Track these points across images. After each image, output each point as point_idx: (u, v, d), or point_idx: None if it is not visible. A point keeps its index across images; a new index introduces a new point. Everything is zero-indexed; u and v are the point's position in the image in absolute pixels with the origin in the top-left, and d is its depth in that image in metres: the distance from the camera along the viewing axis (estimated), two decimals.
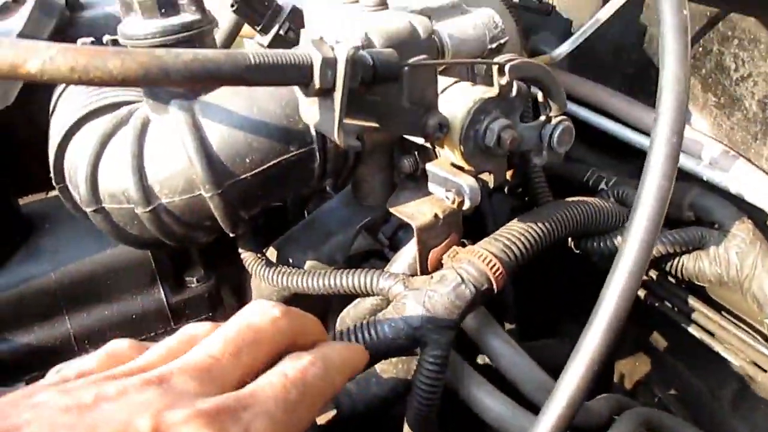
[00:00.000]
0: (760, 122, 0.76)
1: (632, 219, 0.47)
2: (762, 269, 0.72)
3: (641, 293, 0.91)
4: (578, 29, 0.83)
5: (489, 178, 0.62)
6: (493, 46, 0.63)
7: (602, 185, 0.87)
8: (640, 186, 0.48)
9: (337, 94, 0.43)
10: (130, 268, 0.80)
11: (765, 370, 0.78)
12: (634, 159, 0.87)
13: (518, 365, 0.69)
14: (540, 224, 0.66)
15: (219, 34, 0.81)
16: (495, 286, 0.62)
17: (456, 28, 0.61)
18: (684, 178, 0.80)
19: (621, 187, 0.81)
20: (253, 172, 0.58)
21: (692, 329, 0.85)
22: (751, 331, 0.81)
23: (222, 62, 0.39)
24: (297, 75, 0.42)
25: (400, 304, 0.62)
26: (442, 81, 0.60)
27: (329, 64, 0.42)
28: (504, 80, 0.55)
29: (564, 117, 0.60)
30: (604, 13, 0.75)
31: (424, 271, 0.66)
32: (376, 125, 0.50)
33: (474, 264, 0.62)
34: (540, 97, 0.60)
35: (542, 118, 0.60)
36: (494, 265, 0.62)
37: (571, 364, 0.51)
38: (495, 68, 0.54)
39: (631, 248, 0.45)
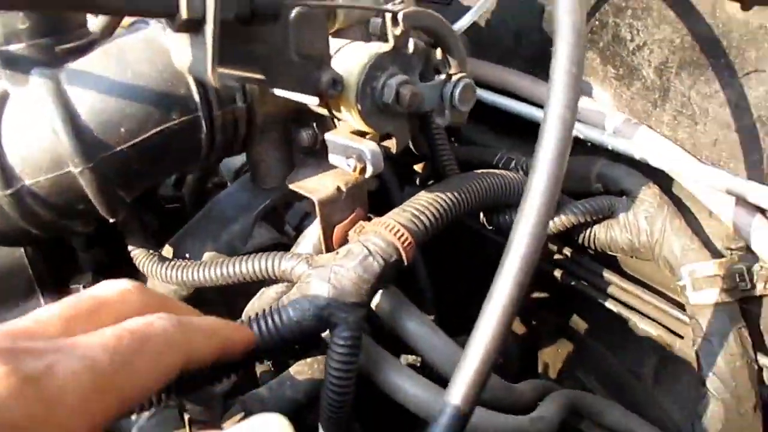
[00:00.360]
0: (657, 89, 0.76)
1: (538, 150, 0.44)
2: (670, 231, 0.72)
3: (557, 273, 0.90)
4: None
5: (391, 144, 0.59)
6: (388, 5, 0.61)
7: (512, 166, 0.86)
8: (541, 124, 0.45)
9: (209, 26, 0.38)
10: (3, 276, 0.71)
11: (681, 336, 0.78)
12: None
13: (437, 347, 0.65)
14: (449, 194, 0.63)
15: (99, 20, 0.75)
16: (405, 257, 0.58)
17: None
18: (590, 152, 0.80)
19: (531, 160, 0.80)
20: (130, 143, 0.52)
21: (609, 304, 0.85)
22: (665, 301, 0.81)
23: None
24: (160, 2, 0.37)
25: (305, 284, 0.57)
26: (335, 43, 0.57)
27: None
28: (398, 30, 0.52)
29: (464, 74, 0.58)
30: None
31: (330, 249, 0.61)
32: (260, 77, 0.46)
33: (381, 235, 0.58)
34: (438, 54, 0.57)
35: (442, 76, 0.58)
36: (402, 235, 0.58)
37: (479, 324, 0.47)
38: (388, 17, 0.51)
39: (539, 177, 0.42)
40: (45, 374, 0.27)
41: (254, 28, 0.44)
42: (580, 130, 0.79)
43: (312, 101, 0.52)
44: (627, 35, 0.78)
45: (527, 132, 0.88)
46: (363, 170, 0.56)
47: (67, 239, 0.71)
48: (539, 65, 0.92)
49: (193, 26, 0.39)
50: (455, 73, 0.58)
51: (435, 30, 0.54)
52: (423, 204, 0.61)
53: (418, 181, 1.03)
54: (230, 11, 0.39)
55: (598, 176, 0.78)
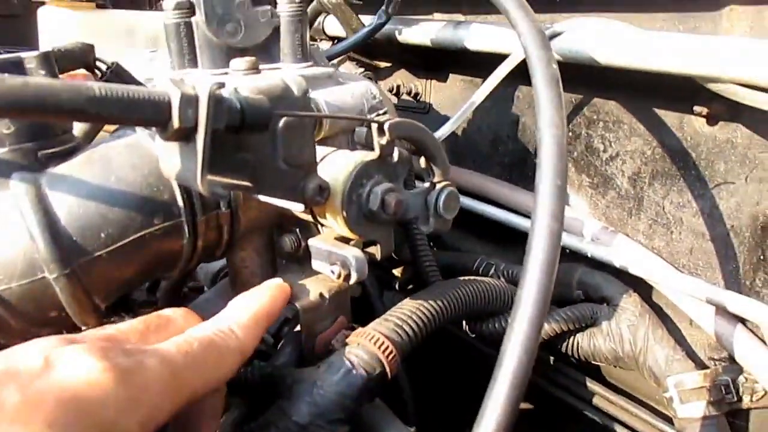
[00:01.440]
0: (632, 198, 0.78)
1: (527, 262, 0.44)
2: (653, 341, 0.71)
3: (539, 383, 0.88)
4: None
5: (376, 250, 0.58)
6: (372, 116, 0.62)
7: (492, 272, 0.86)
8: (529, 235, 0.45)
9: (200, 136, 0.38)
10: None
11: None
12: (522, 244, 0.87)
13: None
14: (432, 302, 0.62)
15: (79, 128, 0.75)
16: (388, 370, 0.56)
17: (333, 96, 0.59)
18: (569, 258, 0.80)
19: (511, 267, 0.80)
20: (109, 248, 0.51)
21: (593, 415, 0.82)
22: (650, 412, 0.79)
23: (59, 89, 0.33)
24: (152, 112, 0.37)
25: (285, 400, 0.54)
26: (321, 150, 0.57)
27: (189, 101, 0.38)
28: (384, 140, 0.52)
29: (448, 182, 0.58)
30: (479, 96, 0.77)
31: (311, 359, 0.59)
32: (248, 184, 0.46)
33: (364, 346, 0.56)
34: (422, 162, 0.58)
35: (426, 184, 0.58)
36: (386, 348, 0.56)
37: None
38: (374, 127, 0.52)
39: (529, 290, 0.42)
40: (135, 369, 0.35)
41: (243, 136, 0.44)
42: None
43: (297, 207, 0.52)
44: (600, 146, 0.81)
45: (506, 237, 0.89)
46: (347, 277, 0.55)
47: None
48: (515, 171, 0.94)
49: (184, 135, 0.39)
50: (439, 181, 0.58)
51: (420, 140, 0.55)
52: (406, 313, 0.60)
53: (397, 286, 1.02)
54: (221, 121, 0.39)
55: (578, 283, 0.78)
